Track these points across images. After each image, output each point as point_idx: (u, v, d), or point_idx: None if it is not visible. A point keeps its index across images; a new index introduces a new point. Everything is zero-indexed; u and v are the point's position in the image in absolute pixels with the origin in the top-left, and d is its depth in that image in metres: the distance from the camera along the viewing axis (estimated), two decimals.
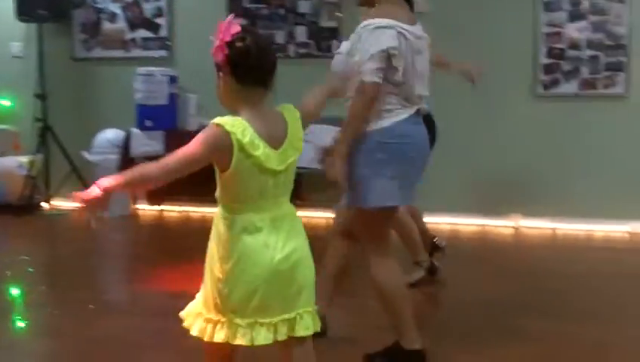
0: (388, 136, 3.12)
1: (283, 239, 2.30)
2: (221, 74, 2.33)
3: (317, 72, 7.51)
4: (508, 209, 6.54)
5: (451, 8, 6.39)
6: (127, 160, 6.89)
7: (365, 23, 3.12)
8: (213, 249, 2.37)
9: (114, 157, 6.92)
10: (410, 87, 3.15)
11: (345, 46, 3.19)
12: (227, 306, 2.30)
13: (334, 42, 6.66)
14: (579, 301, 4.44)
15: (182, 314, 2.49)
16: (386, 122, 3.12)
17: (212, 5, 7.22)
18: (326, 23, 6.82)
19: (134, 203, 7.26)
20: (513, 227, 6.53)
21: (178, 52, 7.40)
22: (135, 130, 6.89)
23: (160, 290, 4.63)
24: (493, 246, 5.88)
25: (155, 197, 7.19)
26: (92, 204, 2.16)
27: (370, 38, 3.07)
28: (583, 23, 6.40)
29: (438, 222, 6.06)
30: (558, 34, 6.45)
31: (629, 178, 6.37)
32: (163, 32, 7.44)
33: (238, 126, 2.22)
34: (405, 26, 3.11)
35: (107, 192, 2.16)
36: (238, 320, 2.28)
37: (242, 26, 2.31)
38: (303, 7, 7.00)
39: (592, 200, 6.39)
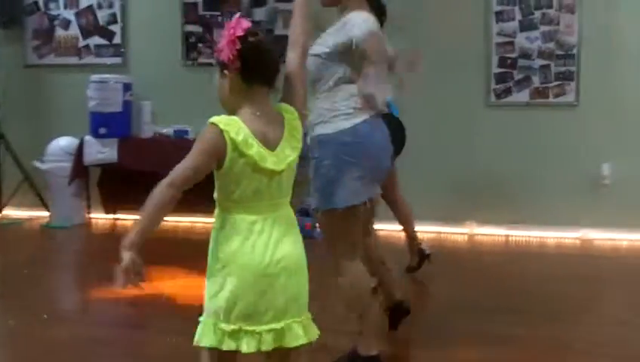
0: (352, 136, 3.16)
1: (275, 243, 2.24)
2: (226, 72, 2.26)
3: None
4: (463, 216, 6.62)
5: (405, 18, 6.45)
6: (80, 168, 6.84)
7: (353, 14, 3.20)
8: (210, 251, 2.33)
9: (66, 165, 6.84)
10: None
11: (316, 48, 3.21)
12: (212, 308, 2.26)
13: None
14: (535, 304, 4.51)
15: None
16: (351, 123, 3.17)
17: (166, 12, 7.20)
18: (281, 30, 6.84)
19: (88, 211, 7.18)
20: (468, 234, 6.62)
21: (132, 59, 7.35)
22: (88, 138, 6.82)
23: (114, 299, 4.60)
24: (450, 252, 5.95)
25: (109, 206, 7.13)
26: (131, 271, 2.11)
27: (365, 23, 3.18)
28: (534, 33, 6.52)
29: (394, 229, 6.11)
30: (510, 43, 6.56)
31: (581, 186, 6.49)
32: (117, 39, 7.38)
33: (232, 125, 2.18)
34: None
35: (137, 249, 2.11)
36: (223, 326, 2.23)
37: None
38: (258, 14, 7.00)
39: (545, 208, 6.50)
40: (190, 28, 7.17)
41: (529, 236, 6.51)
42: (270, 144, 2.24)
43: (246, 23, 2.23)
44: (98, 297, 4.71)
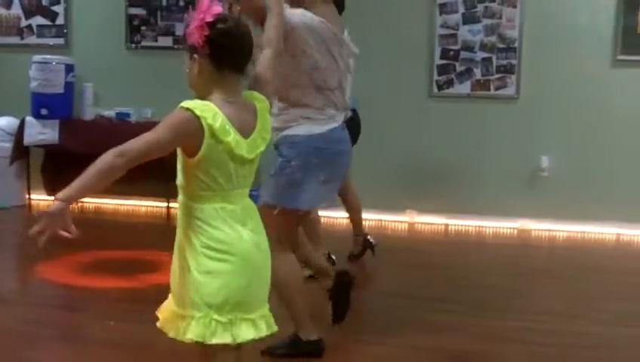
0: (323, 142, 3.24)
1: (251, 230, 2.23)
2: (196, 56, 2.20)
3: None
4: (403, 205, 6.71)
5: (350, 10, 6.49)
6: (20, 148, 6.75)
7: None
8: (182, 240, 2.23)
9: (7, 145, 6.74)
10: (342, 93, 3.31)
11: None
12: (204, 300, 2.15)
13: None
14: (472, 293, 4.60)
15: (157, 313, 2.34)
16: (323, 128, 3.25)
17: None
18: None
19: (29, 193, 7.07)
20: (408, 222, 6.71)
21: (75, 40, 7.24)
22: (30, 119, 6.71)
23: (54, 281, 4.56)
24: (390, 240, 6.02)
25: (50, 188, 7.03)
26: (54, 222, 1.94)
27: None
28: (476, 26, 6.63)
29: (336, 216, 6.16)
30: (452, 36, 6.65)
31: (520, 177, 6.64)
32: (60, 20, 7.26)
33: (208, 110, 2.11)
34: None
35: (69, 205, 1.96)
36: (216, 316, 2.15)
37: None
38: None
39: (484, 198, 6.62)
40: (134, 11, 7.09)
41: (468, 225, 6.63)
42: (244, 131, 2.20)
43: (217, 9, 2.19)
44: (36, 279, 4.66)
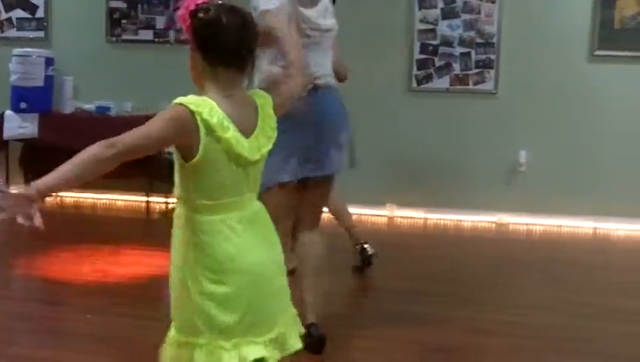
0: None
1: (261, 238, 2.06)
2: (189, 47, 2.04)
3: None
4: (383, 199, 6.75)
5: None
6: (0, 142, 6.72)
7: None
8: (180, 258, 2.03)
9: None
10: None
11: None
12: (212, 325, 1.98)
13: None
14: (451, 286, 4.66)
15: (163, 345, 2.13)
16: None
17: None
18: None
19: (7, 186, 7.04)
20: (388, 216, 6.75)
21: (55, 33, 7.20)
22: (9, 112, 6.67)
23: (34, 275, 4.56)
24: (369, 234, 6.04)
25: (29, 181, 7.00)
26: (17, 205, 1.75)
27: None
28: (455, 21, 6.67)
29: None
30: (432, 30, 6.69)
31: (498, 172, 6.69)
32: (40, 13, 7.22)
33: (204, 105, 1.92)
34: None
35: (42, 195, 1.77)
36: (222, 343, 1.98)
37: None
38: None
39: (463, 192, 6.67)
40: (115, 4, 7.07)
41: (447, 219, 6.68)
42: (245, 130, 2.00)
43: None
44: (17, 273, 4.66)
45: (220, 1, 2.01)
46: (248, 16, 2.05)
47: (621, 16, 6.41)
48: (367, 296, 4.43)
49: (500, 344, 3.74)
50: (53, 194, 1.83)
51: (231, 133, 1.95)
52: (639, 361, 3.66)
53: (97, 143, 1.82)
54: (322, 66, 3.45)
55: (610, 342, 3.83)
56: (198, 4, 1.99)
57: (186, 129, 1.91)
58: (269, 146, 2.07)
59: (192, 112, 1.91)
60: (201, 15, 1.97)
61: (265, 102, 2.10)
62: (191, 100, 1.93)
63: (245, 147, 1.98)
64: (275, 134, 2.09)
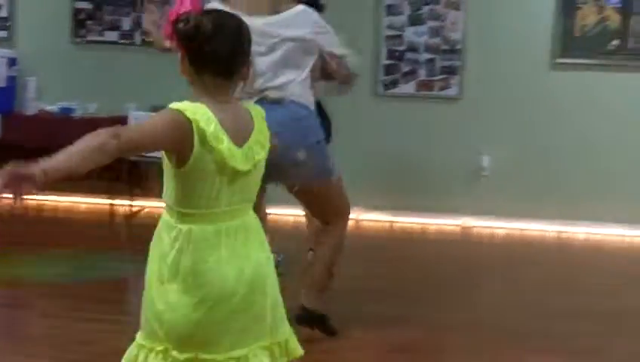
0: None
1: (237, 257, 1.97)
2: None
3: (162, 61, 7.39)
4: (350, 202, 6.75)
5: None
6: None
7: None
8: (153, 262, 2.01)
9: None
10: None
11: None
12: (166, 334, 1.95)
13: None
14: (416, 288, 4.73)
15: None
16: None
17: None
18: None
19: None
20: (354, 219, 6.77)
21: (18, 33, 7.12)
22: None
23: None
24: None
25: None
26: (12, 181, 1.67)
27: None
28: (421, 28, 6.73)
29: (282, 213, 6.19)
30: (398, 37, 6.74)
31: (461, 175, 6.76)
32: (3, 13, 7.13)
33: (201, 114, 1.89)
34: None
35: (42, 178, 1.68)
36: (175, 353, 1.94)
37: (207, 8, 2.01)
38: None
39: (428, 196, 6.72)
40: (80, 4, 7.02)
41: (412, 222, 6.72)
42: (238, 139, 1.96)
43: (186, 6, 2.06)
44: None
45: (217, 8, 2.00)
46: (235, 24, 2.01)
47: (582, 24, 6.53)
48: (331, 297, 4.43)
49: (462, 342, 3.81)
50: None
51: (225, 145, 1.91)
52: (599, 356, 3.74)
53: (101, 131, 1.77)
54: (275, 79, 3.43)
55: (569, 339, 3.89)
56: (179, 15, 1.98)
57: (182, 137, 1.88)
58: (264, 155, 2.02)
59: (188, 120, 1.88)
60: (180, 26, 1.95)
61: (258, 112, 2.07)
62: (187, 107, 1.90)
63: (238, 158, 1.95)
64: (268, 143, 2.05)
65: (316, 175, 3.54)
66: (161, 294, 1.96)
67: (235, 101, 2.04)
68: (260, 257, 2.04)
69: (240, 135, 1.97)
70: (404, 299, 4.44)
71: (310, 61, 3.55)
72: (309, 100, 3.57)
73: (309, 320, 3.58)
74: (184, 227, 1.95)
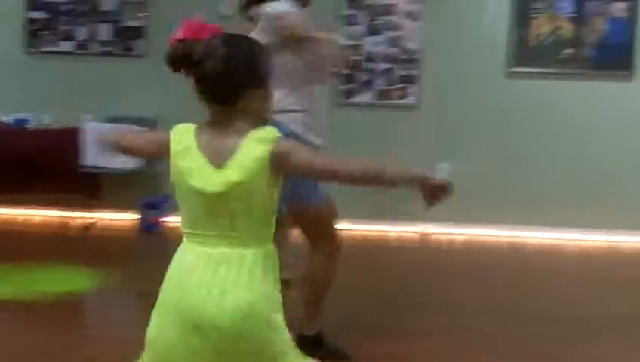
0: None
1: (209, 286, 1.88)
2: None
3: (119, 71, 7.37)
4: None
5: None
6: None
7: None
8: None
9: None
10: None
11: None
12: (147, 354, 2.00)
13: (138, 42, 6.63)
14: (374, 294, 4.78)
15: None
16: None
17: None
18: (130, 22, 6.75)
19: None
20: None
21: None
22: None
23: None
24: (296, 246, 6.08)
25: None
26: (105, 143, 2.16)
27: None
28: (379, 38, 6.77)
29: None
30: (356, 46, 6.77)
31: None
32: None
33: (180, 132, 1.97)
34: None
35: (110, 143, 2.16)
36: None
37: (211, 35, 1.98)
38: (107, 4, 6.87)
39: (387, 204, 6.75)
40: (34, 14, 6.93)
41: (371, 230, 6.76)
42: (217, 160, 1.92)
43: (177, 34, 1.99)
44: None
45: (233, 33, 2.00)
46: (237, 49, 1.95)
47: (536, 34, 6.64)
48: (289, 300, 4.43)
49: (427, 346, 3.85)
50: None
51: (185, 163, 1.92)
52: (559, 360, 3.81)
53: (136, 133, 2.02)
54: None
55: (530, 343, 3.94)
56: (174, 39, 2.00)
57: (160, 151, 2.01)
58: (240, 177, 1.89)
59: (168, 136, 1.99)
60: (169, 50, 1.98)
61: (261, 138, 1.93)
62: (179, 126, 2.01)
63: (203, 178, 1.90)
64: (255, 166, 1.90)
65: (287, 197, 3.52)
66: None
67: (240, 125, 1.95)
68: (241, 298, 1.89)
69: (219, 156, 1.91)
70: (361, 307, 4.46)
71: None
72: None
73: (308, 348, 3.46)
74: (182, 243, 2.02)
